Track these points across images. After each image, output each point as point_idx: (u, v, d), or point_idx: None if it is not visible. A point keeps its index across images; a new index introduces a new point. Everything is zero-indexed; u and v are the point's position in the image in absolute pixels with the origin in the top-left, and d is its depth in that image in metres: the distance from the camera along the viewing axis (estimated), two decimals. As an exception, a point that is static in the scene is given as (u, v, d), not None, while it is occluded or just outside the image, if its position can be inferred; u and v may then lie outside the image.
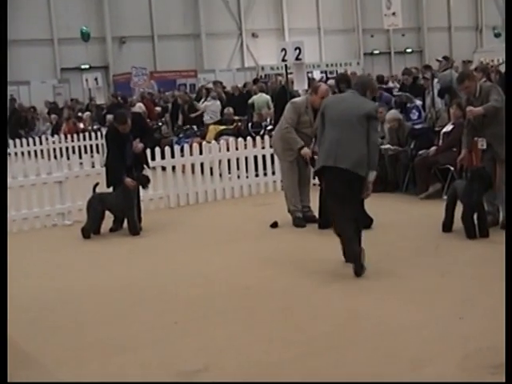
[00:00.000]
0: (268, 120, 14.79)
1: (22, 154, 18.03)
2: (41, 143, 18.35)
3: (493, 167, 7.61)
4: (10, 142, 17.82)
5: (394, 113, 11.25)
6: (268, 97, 17.28)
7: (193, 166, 11.08)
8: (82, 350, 5.04)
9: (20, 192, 9.63)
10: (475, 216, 7.40)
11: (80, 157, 13.02)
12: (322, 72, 33.79)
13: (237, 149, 11.38)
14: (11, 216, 9.28)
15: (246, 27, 38.28)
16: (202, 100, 17.88)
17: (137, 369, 4.66)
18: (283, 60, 13.32)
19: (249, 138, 11.92)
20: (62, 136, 18.55)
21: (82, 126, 20.06)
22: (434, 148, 9.94)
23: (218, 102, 17.48)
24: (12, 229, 9.23)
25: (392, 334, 4.97)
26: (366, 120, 6.49)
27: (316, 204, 8.46)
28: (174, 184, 10.83)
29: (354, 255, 6.38)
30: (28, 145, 18.26)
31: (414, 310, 5.43)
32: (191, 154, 11.08)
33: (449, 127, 9.99)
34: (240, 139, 11.64)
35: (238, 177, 11.39)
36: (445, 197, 8.60)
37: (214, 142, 12.05)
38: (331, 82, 16.14)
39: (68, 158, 13.23)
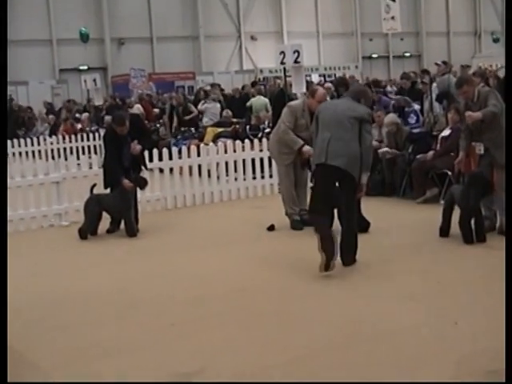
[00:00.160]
0: (266, 123, 14.80)
1: (20, 154, 18.00)
2: (38, 144, 18.33)
3: (490, 172, 7.61)
4: (8, 142, 17.78)
5: (392, 117, 11.26)
6: (266, 99, 17.31)
7: (190, 167, 11.08)
8: (79, 352, 5.03)
9: (17, 192, 9.62)
10: (472, 221, 7.40)
11: (78, 158, 13.03)
12: (320, 75, 33.85)
13: (234, 151, 11.38)
14: (8, 216, 9.25)
15: (245, 30, 38.30)
16: (202, 102, 17.85)
17: (133, 370, 4.65)
18: (282, 63, 13.35)
19: (246, 140, 11.92)
20: (60, 137, 18.55)
21: (79, 126, 20.05)
22: (431, 152, 9.94)
23: (218, 105, 17.48)
24: (8, 229, 9.19)
25: (388, 336, 4.97)
26: (358, 122, 6.73)
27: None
28: (172, 186, 10.83)
29: (326, 252, 6.42)
30: (26, 145, 18.22)
31: (409, 314, 5.42)
32: (189, 156, 11.09)
33: (447, 132, 10.00)
34: (238, 142, 11.65)
35: (236, 179, 11.39)
36: (442, 201, 8.60)
37: (211, 144, 12.04)
38: (328, 84, 16.16)
39: (66, 159, 13.20)
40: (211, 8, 37.07)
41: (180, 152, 11.14)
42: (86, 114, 21.24)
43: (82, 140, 18.38)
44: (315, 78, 31.11)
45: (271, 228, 8.76)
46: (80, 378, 4.61)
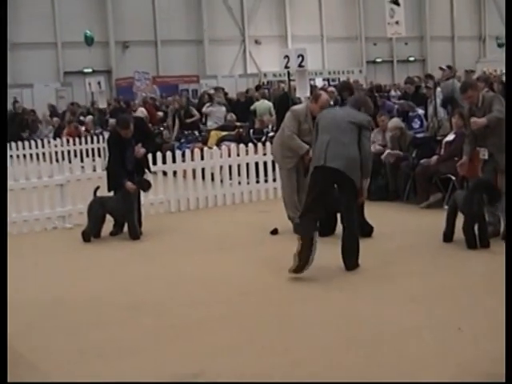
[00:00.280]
0: (270, 126, 14.80)
1: (24, 156, 18.03)
2: (43, 146, 18.38)
3: (494, 177, 7.60)
4: (12, 144, 17.83)
5: (396, 121, 11.25)
6: (270, 103, 17.31)
7: (194, 171, 11.08)
8: (80, 353, 5.03)
9: (21, 194, 9.63)
10: (476, 226, 7.39)
11: (81, 160, 13.03)
12: (324, 79, 33.86)
13: (238, 155, 11.38)
14: (12, 218, 9.28)
15: (249, 34, 38.36)
16: (207, 105, 17.83)
17: (134, 371, 4.65)
18: (286, 67, 13.35)
19: (250, 144, 11.93)
20: (64, 139, 18.58)
21: (83, 129, 20.08)
22: (435, 157, 9.93)
23: (224, 108, 17.47)
24: (12, 231, 9.22)
25: (389, 339, 4.96)
26: (357, 128, 6.82)
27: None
28: (175, 189, 10.84)
29: (301, 261, 6.46)
30: (30, 147, 18.26)
31: (411, 316, 5.42)
32: (192, 160, 11.09)
33: (451, 136, 9.98)
34: (241, 145, 11.65)
35: (239, 183, 11.39)
36: (446, 206, 8.59)
37: (215, 147, 12.05)
38: (331, 89, 16.17)
39: (70, 162, 13.21)
40: (215, 12, 37.15)
41: (184, 155, 11.15)
42: (90, 117, 21.26)
43: (86, 143, 18.38)
44: (319, 82, 31.10)
45: (274, 232, 8.76)
46: (80, 378, 4.61)
